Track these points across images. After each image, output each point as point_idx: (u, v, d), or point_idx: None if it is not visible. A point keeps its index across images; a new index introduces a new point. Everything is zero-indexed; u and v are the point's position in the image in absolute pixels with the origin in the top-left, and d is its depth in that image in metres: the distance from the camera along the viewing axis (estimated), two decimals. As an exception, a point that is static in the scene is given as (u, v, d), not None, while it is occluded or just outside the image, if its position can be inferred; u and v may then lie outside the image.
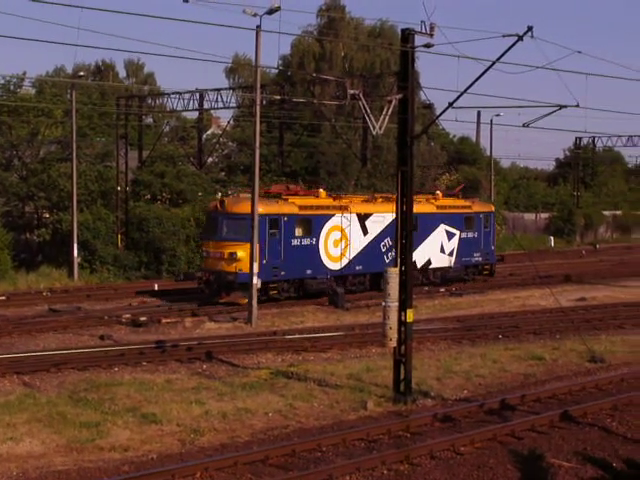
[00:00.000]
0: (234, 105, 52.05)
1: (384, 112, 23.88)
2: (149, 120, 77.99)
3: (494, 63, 22.33)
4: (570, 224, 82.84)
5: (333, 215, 40.88)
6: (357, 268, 41.90)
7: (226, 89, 52.05)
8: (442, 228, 45.61)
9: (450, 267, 46.48)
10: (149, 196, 57.73)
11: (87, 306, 39.40)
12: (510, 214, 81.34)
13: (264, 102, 48.65)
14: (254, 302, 34.50)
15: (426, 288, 44.60)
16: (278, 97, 48.32)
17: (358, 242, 41.84)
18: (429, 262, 45.17)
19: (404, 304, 22.45)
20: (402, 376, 22.66)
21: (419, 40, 22.35)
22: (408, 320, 22.52)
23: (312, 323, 35.20)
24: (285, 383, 24.31)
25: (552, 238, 78.81)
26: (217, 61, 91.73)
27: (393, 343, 22.55)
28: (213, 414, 20.92)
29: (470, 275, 48.23)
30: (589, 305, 40.45)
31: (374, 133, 25.04)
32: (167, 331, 33.42)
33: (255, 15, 33.04)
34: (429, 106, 55.02)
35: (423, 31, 21.81)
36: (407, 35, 22.33)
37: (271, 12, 32.65)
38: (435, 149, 76.68)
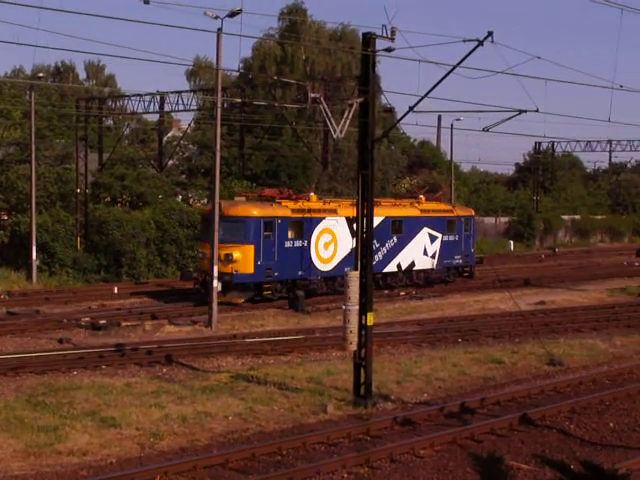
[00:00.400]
0: (195, 108, 52.03)
1: (345, 116, 23.90)
2: (109, 122, 77.66)
3: (454, 68, 22.43)
4: (530, 228, 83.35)
5: (324, 218, 41.96)
6: (346, 269, 40.90)
7: (187, 92, 51.96)
8: (425, 231, 46.93)
9: (433, 269, 47.73)
10: (109, 199, 57.44)
11: (46, 309, 39.07)
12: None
13: (225, 105, 48.54)
14: (214, 305, 34.38)
15: (386, 291, 44.71)
16: (239, 100, 48.26)
17: (346, 244, 42.51)
18: (413, 264, 46.47)
19: (364, 307, 22.47)
20: (362, 379, 22.67)
21: (380, 44, 22.44)
22: (368, 323, 22.54)
23: (272, 326, 35.14)
24: (245, 386, 24.26)
25: (512, 242, 79.27)
26: (178, 63, 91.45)
27: (353, 346, 22.56)
28: (173, 418, 20.83)
29: (451, 277, 49.45)
30: (548, 309, 40.70)
31: (335, 136, 25.05)
32: (127, 334, 33.20)
33: (216, 18, 33.02)
34: (390, 110, 55.31)
35: (384, 35, 21.86)
36: (368, 39, 22.38)
37: (232, 15, 32.64)
38: (396, 153, 76.92)
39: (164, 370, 26.72)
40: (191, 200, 63.44)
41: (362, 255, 22.73)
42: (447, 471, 17.41)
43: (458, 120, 74.70)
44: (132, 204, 56.95)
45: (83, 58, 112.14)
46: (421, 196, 50.03)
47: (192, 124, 65.48)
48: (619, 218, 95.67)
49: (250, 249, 38.89)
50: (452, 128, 76.25)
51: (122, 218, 50.31)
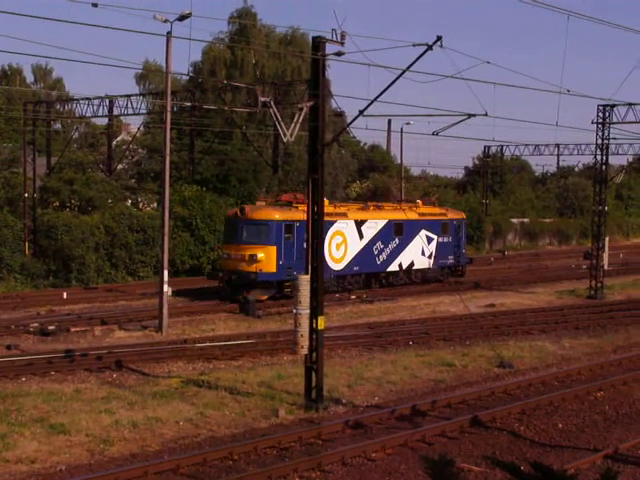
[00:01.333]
0: (144, 111, 51.64)
1: (295, 120, 23.91)
2: (57, 126, 76.92)
3: (404, 72, 22.53)
4: (479, 231, 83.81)
5: (335, 221, 44.39)
6: (355, 269, 46.03)
7: (136, 95, 51.61)
8: (423, 233, 50.12)
9: (429, 268, 50.90)
10: (58, 203, 56.92)
11: (-7, 315, 38.64)
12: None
13: (175, 109, 48.40)
14: (165, 310, 34.20)
15: (337, 295, 44.79)
16: (189, 104, 48.14)
17: (355, 245, 45.79)
18: (412, 264, 49.71)
19: (315, 311, 22.48)
20: (314, 383, 22.68)
21: (330, 48, 22.45)
22: (319, 327, 22.56)
23: (223, 331, 35.02)
24: (196, 391, 24.16)
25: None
26: (127, 67, 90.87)
27: (304, 350, 22.56)
28: (123, 424, 20.68)
29: (444, 276, 52.40)
30: (498, 311, 40.98)
31: (285, 140, 25.07)
32: (76, 340, 32.92)
33: (166, 21, 32.86)
34: (340, 114, 55.25)
35: (334, 39, 21.89)
36: (318, 43, 22.40)
37: (182, 18, 32.51)
38: (346, 157, 77.05)
39: (114, 376, 26.53)
40: (141, 204, 63.08)
41: (313, 259, 22.73)
42: (398, 474, 17.47)
43: (408, 124, 75.07)
44: (81, 209, 56.49)
45: (31, 61, 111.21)
46: (418, 200, 53.63)
47: (142, 128, 65.01)
48: (567, 221, 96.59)
49: (273, 250, 41.86)
50: (402, 132, 76.55)
51: (71, 223, 49.88)
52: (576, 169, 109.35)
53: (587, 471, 17.62)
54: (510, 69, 29.68)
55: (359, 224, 45.96)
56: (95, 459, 18.24)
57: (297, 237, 42.12)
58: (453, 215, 53.89)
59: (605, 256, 49.43)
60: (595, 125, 46.58)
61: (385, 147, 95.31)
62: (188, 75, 56.33)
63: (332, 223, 43.76)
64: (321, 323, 22.62)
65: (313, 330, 22.51)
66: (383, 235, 46.87)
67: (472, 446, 19.36)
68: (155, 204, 61.25)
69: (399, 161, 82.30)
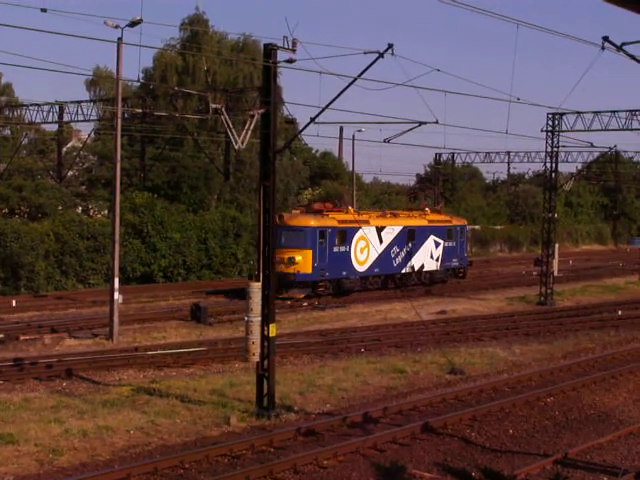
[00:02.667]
0: (95, 118, 51.40)
1: (246, 127, 23.86)
2: (6, 132, 76.19)
3: (355, 79, 22.60)
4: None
5: (360, 228, 48.90)
6: (375, 270, 50.98)
7: (87, 102, 51.39)
8: (432, 238, 55.07)
9: (437, 270, 55.84)
10: (6, 210, 56.37)
11: (-59, 323, 38.12)
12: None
13: (126, 115, 48.17)
14: (115, 318, 33.95)
15: (289, 302, 44.88)
16: (140, 110, 47.97)
17: (376, 249, 50.42)
18: (422, 266, 54.38)
19: (267, 319, 22.44)
20: (265, 391, 22.63)
21: (281, 55, 22.43)
22: (271, 335, 22.52)
23: (174, 338, 34.83)
24: (147, 400, 23.99)
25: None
26: (77, 73, 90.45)
27: (256, 358, 22.51)
28: (73, 433, 20.48)
29: (448, 277, 57.17)
30: (449, 318, 41.19)
31: (236, 147, 24.99)
32: (25, 348, 32.55)
33: (116, 27, 32.72)
34: (292, 121, 55.25)
35: (285, 46, 21.89)
36: (269, 50, 22.40)
37: (133, 24, 32.37)
38: (298, 164, 77.03)
39: (64, 384, 26.29)
40: (91, 211, 62.65)
41: (264, 266, 22.69)
42: (350, 481, 17.46)
43: (359, 131, 75.36)
44: (31, 215, 56.01)
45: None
46: (426, 208, 58.61)
47: (92, 134, 64.72)
48: (517, 228, 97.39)
49: (309, 253, 46.58)
50: (354, 139, 76.73)
51: (20, 230, 49.40)
52: (526, 176, 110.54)
53: (537, 476, 17.75)
54: (460, 77, 29.83)
55: (379, 230, 51.05)
56: (44, 469, 18.03)
57: (329, 242, 47.54)
58: (457, 222, 58.94)
59: (555, 263, 49.89)
60: (545, 133, 47.07)
61: (337, 154, 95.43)
62: (139, 81, 55.90)
63: (357, 229, 48.78)
64: (273, 330, 22.59)
65: (265, 337, 22.47)
66: (398, 240, 52.02)
67: (423, 452, 19.41)
68: (106, 211, 60.86)
69: (351, 168, 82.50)
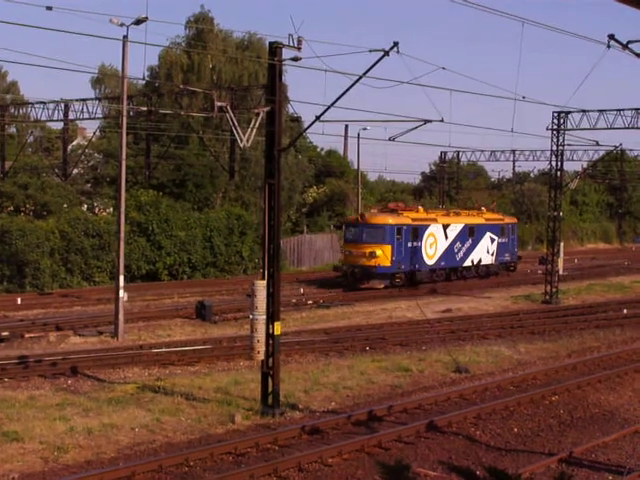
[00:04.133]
0: (100, 116, 51.41)
1: (252, 125, 23.87)
2: (12, 130, 76.26)
3: (361, 77, 22.60)
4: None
5: (429, 225, 54.31)
6: (442, 264, 55.73)
7: (92, 99, 51.39)
8: (488, 235, 59.85)
9: (492, 264, 60.65)
10: (12, 208, 56.41)
11: (-54, 321, 38.17)
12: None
13: (131, 113, 48.16)
14: (120, 316, 34.00)
15: (294, 300, 44.89)
16: (145, 108, 47.94)
17: (442, 245, 55.36)
18: (480, 260, 59.14)
19: (272, 317, 22.45)
20: (270, 389, 22.65)
21: (287, 53, 22.45)
22: (276, 333, 22.53)
23: (180, 336, 34.87)
24: (152, 397, 24.02)
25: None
26: (83, 71, 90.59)
27: (261, 356, 22.53)
28: (78, 430, 20.51)
29: (501, 270, 61.93)
30: (454, 316, 41.17)
31: (242, 145, 25.00)
32: (30, 346, 32.61)
33: (122, 25, 32.71)
34: (297, 119, 55.45)
35: (291, 44, 21.89)
36: (275, 48, 22.40)
37: (138, 22, 32.37)
38: (303, 162, 76.94)
39: (69, 382, 26.33)
40: (96, 209, 62.68)
41: (269, 264, 22.69)
42: (355, 479, 17.46)
43: (365, 129, 75.22)
44: (36, 213, 56.04)
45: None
46: (483, 208, 63.32)
47: (97, 132, 64.75)
48: (523, 226, 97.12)
49: (388, 248, 51.21)
50: (359, 137, 76.66)
51: (25, 227, 49.42)
52: (531, 175, 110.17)
53: (542, 475, 17.75)
54: (466, 75, 29.82)
55: (445, 227, 55.67)
56: (49, 466, 18.07)
57: (404, 238, 52.18)
58: (508, 220, 63.77)
59: (560, 261, 49.87)
60: (550, 132, 47.00)
61: (342, 152, 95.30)
62: (144, 79, 56.09)
63: (427, 227, 54.13)
64: (277, 329, 22.60)
65: (269, 336, 22.48)
66: (461, 236, 56.74)
67: (428, 451, 19.41)
68: (111, 209, 60.85)
69: (356, 166, 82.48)
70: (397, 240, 51.81)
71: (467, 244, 57.57)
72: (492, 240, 60.15)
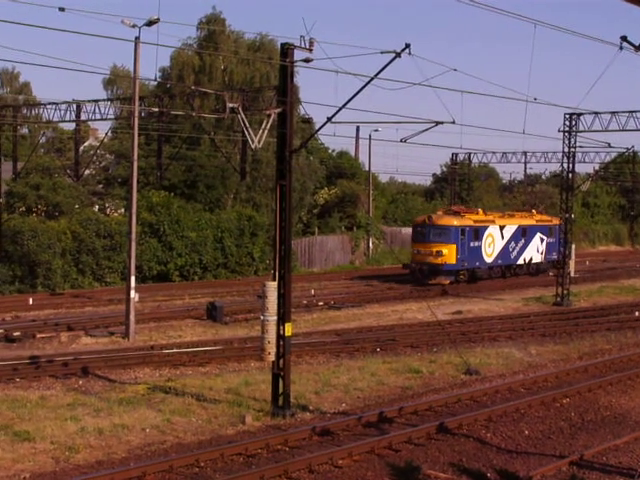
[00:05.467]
0: (112, 117, 51.44)
1: (263, 126, 23.90)
2: (24, 131, 76.43)
3: (372, 79, 22.58)
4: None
5: (488, 226, 58.30)
6: (498, 262, 59.81)
7: (104, 100, 51.42)
8: (538, 235, 63.97)
9: (541, 262, 64.80)
10: (24, 208, 56.55)
11: (-42, 321, 38.27)
12: (388, 228, 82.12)
13: (142, 114, 48.16)
14: (131, 316, 34.05)
15: (305, 302, 44.89)
16: (157, 109, 47.94)
17: (499, 244, 59.41)
18: (532, 259, 63.20)
19: (282, 318, 22.46)
20: (281, 390, 22.66)
21: (298, 55, 22.45)
22: (287, 334, 22.53)
23: (190, 337, 34.90)
24: (163, 398, 24.06)
25: (429, 252, 79.76)
26: (95, 72, 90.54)
27: (272, 357, 22.53)
28: (89, 430, 20.55)
29: (550, 268, 64.47)
30: (465, 318, 41.12)
31: (253, 147, 25.03)
32: (42, 346, 32.71)
33: (134, 26, 32.77)
34: (308, 120, 55.21)
35: (302, 46, 21.90)
36: (286, 50, 22.41)
37: (150, 24, 32.41)
38: (314, 163, 76.88)
39: (80, 382, 26.38)
40: (108, 210, 62.78)
41: (281, 265, 22.70)
42: (365, 481, 17.46)
43: (376, 131, 75.32)
44: (48, 214, 56.15)
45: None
46: (533, 210, 68.64)
47: (109, 133, 64.80)
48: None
49: (453, 247, 55.17)
50: (370, 139, 76.77)
51: (37, 228, 49.56)
52: (543, 177, 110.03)
53: (552, 478, 17.73)
54: (477, 77, 29.77)
55: (502, 228, 59.64)
56: (60, 466, 18.11)
57: (467, 238, 56.12)
58: (555, 221, 65.24)
59: (572, 263, 49.78)
60: (562, 133, 46.93)
61: (353, 154, 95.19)
62: (156, 80, 56.00)
63: (486, 227, 58.18)
64: (288, 330, 22.60)
65: (280, 337, 22.49)
66: (515, 237, 60.87)
67: (439, 453, 19.39)
68: (122, 210, 60.97)
69: (367, 168, 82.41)
70: (461, 240, 55.81)
71: (520, 244, 61.76)
72: (542, 240, 64.35)
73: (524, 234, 62.25)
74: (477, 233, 57.43)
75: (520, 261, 62.24)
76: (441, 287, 53.91)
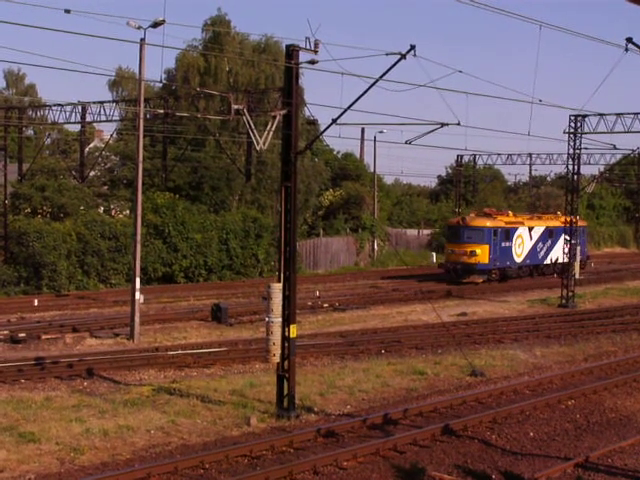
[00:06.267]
0: (117, 118, 51.49)
1: (268, 127, 23.88)
2: (30, 132, 76.55)
3: (377, 80, 22.58)
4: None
5: (518, 227, 61.15)
6: (527, 262, 62.87)
7: (109, 102, 51.45)
8: (564, 236, 62.08)
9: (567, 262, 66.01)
10: (29, 210, 56.62)
11: (-37, 322, 38.32)
12: (393, 230, 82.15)
13: (148, 116, 48.22)
14: (136, 318, 34.08)
15: (310, 303, 44.90)
16: (162, 111, 47.99)
17: (528, 245, 62.31)
18: (557, 259, 64.49)
19: (287, 319, 22.45)
20: (285, 392, 22.64)
21: (303, 56, 22.44)
22: (291, 335, 22.52)
23: (195, 339, 34.92)
24: (167, 399, 24.06)
25: (434, 254, 79.91)
26: (100, 74, 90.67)
27: (276, 359, 22.52)
28: (94, 432, 20.56)
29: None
30: (470, 320, 41.09)
31: (258, 148, 25.03)
32: (47, 347, 32.76)
33: (139, 28, 32.81)
34: (313, 122, 55.36)
35: (307, 47, 21.89)
36: (291, 51, 22.40)
37: (155, 25, 32.46)
38: (319, 165, 76.94)
39: (85, 384, 26.40)
40: (113, 212, 62.83)
41: (285, 267, 22.70)
42: (370, 482, 17.45)
43: (381, 132, 75.30)
44: (53, 215, 56.22)
45: (3, 67, 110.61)
46: (558, 212, 69.85)
47: (114, 135, 64.85)
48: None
49: (486, 247, 58.49)
50: (375, 140, 76.78)
51: (43, 229, 49.63)
52: (548, 178, 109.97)
53: (558, 480, 17.69)
54: (482, 78, 29.79)
55: (530, 229, 62.54)
56: (65, 468, 18.12)
57: (499, 238, 59.36)
58: (581, 223, 66.68)
59: (577, 265, 49.73)
60: (567, 135, 46.90)
61: (358, 155, 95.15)
62: (161, 82, 56.02)
63: (516, 229, 61.04)
64: (293, 331, 22.59)
65: (285, 338, 22.48)
66: (542, 238, 63.64)
67: (444, 455, 19.37)
68: (128, 211, 61.01)
69: (372, 169, 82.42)
70: (493, 241, 59.04)
71: (547, 244, 64.71)
72: (567, 241, 62.70)
73: (551, 235, 64.92)
74: (508, 234, 60.54)
75: (547, 261, 65.09)
76: (474, 285, 57.30)
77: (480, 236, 58.61)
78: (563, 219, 64.87)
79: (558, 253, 64.92)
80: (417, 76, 24.36)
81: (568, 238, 65.34)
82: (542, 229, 63.63)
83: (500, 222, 60.34)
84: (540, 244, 63.71)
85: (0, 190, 52.36)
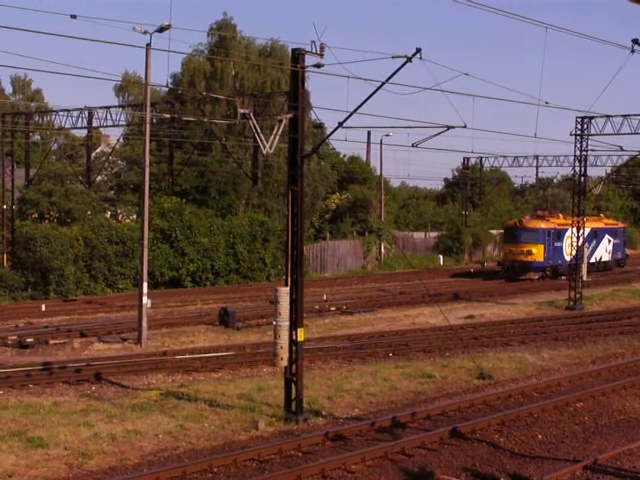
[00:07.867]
0: (123, 123, 51.52)
1: (274, 131, 23.88)
2: (36, 137, 76.61)
3: (383, 84, 22.58)
4: (458, 243, 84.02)
5: (567, 229, 60.85)
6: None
7: (115, 107, 51.48)
8: (606, 237, 72.85)
9: (609, 261, 74.28)
10: (36, 215, 56.72)
11: (-29, 328, 38.38)
12: (400, 233, 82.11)
13: (154, 120, 48.28)
14: (144, 322, 34.10)
15: (317, 307, 44.91)
16: (168, 115, 48.01)
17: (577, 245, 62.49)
18: (601, 257, 72.09)
19: (295, 323, 22.45)
20: (293, 395, 22.64)
21: (309, 60, 22.45)
22: (299, 339, 22.51)
23: (203, 343, 34.93)
24: (175, 404, 24.06)
25: (441, 257, 79.89)
26: (106, 79, 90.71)
27: (284, 362, 22.52)
28: (102, 437, 20.56)
29: (615, 266, 74.87)
30: (477, 323, 41.05)
31: (264, 152, 25.04)
32: (55, 352, 32.78)
33: (145, 33, 32.84)
34: (319, 126, 55.40)
35: (313, 51, 21.90)
36: (297, 55, 22.42)
37: (161, 30, 32.49)
38: (325, 168, 76.90)
39: (93, 388, 26.43)
40: (120, 216, 62.90)
41: (293, 270, 22.69)
42: (378, 486, 17.43)
43: (387, 136, 75.21)
44: (60, 220, 56.31)
45: (9, 72, 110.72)
46: (602, 215, 77.77)
47: (121, 139, 64.91)
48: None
49: (541, 247, 64.38)
50: (381, 144, 76.95)
51: (50, 235, 49.70)
52: (555, 180, 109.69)
53: (566, 482, 17.65)
54: (489, 81, 29.74)
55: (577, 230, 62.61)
56: (73, 472, 18.12)
57: (552, 239, 65.02)
58: (620, 225, 76.92)
59: (584, 267, 49.65)
60: (574, 137, 46.84)
61: (365, 159, 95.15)
62: (167, 87, 56.04)
63: (566, 230, 62.27)
64: (301, 335, 22.59)
65: (293, 342, 22.48)
66: (589, 238, 65.62)
67: (452, 457, 19.35)
68: (134, 216, 61.09)
69: (379, 173, 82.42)
70: (547, 241, 64.65)
71: (592, 244, 69.10)
72: (609, 241, 73.39)
73: (595, 236, 70.38)
74: (559, 235, 65.58)
75: (592, 260, 68.99)
76: (530, 281, 62.59)
77: (535, 237, 64.29)
78: (606, 221, 75.28)
79: (602, 252, 72.58)
80: (423, 79, 24.38)
81: (610, 239, 72.59)
82: (588, 230, 63.82)
83: (552, 224, 65.63)
84: (587, 244, 63.86)
85: (7, 195, 52.42)
